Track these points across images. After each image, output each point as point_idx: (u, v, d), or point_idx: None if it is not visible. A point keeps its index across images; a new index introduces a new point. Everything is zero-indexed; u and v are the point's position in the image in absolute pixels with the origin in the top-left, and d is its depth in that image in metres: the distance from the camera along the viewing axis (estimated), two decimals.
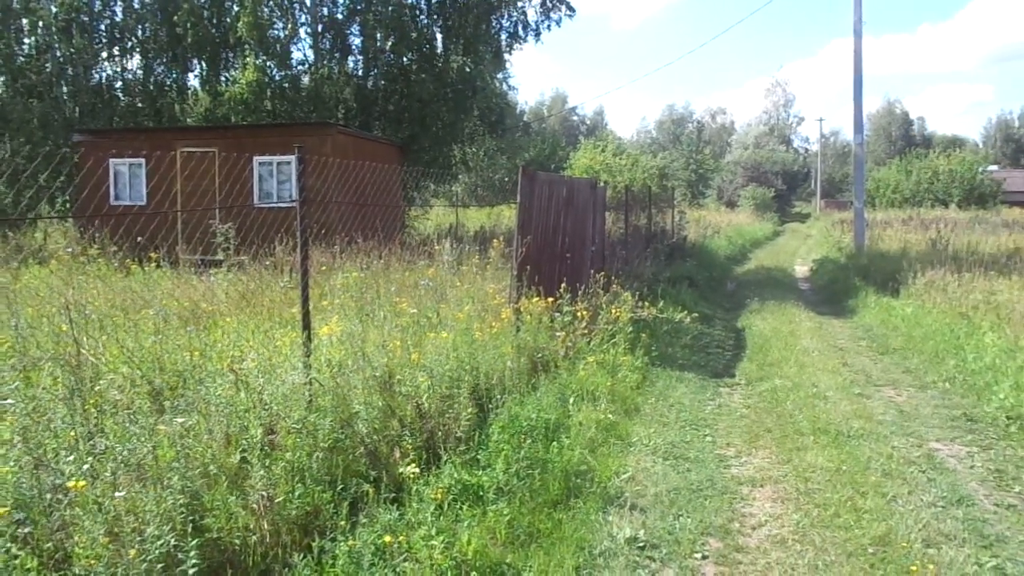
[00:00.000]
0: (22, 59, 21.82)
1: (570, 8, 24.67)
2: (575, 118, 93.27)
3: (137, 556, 3.16)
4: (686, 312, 11.36)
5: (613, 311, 8.84)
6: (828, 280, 18.79)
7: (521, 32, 24.63)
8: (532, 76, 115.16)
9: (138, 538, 3.25)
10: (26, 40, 22.19)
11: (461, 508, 4.41)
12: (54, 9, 21.85)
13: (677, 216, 23.66)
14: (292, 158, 16.83)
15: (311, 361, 5.48)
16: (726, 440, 6.47)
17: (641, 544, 4.41)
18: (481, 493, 4.62)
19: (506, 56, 25.18)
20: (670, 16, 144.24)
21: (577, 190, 10.90)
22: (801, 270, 23.17)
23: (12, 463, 3.55)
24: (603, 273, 9.80)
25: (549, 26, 24.66)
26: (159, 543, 3.25)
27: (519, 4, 24.22)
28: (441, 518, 4.23)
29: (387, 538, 3.77)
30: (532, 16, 24.78)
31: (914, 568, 4.09)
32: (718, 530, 4.67)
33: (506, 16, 24.36)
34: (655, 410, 7.20)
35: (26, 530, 3.19)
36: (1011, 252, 17.65)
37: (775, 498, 5.19)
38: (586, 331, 8.37)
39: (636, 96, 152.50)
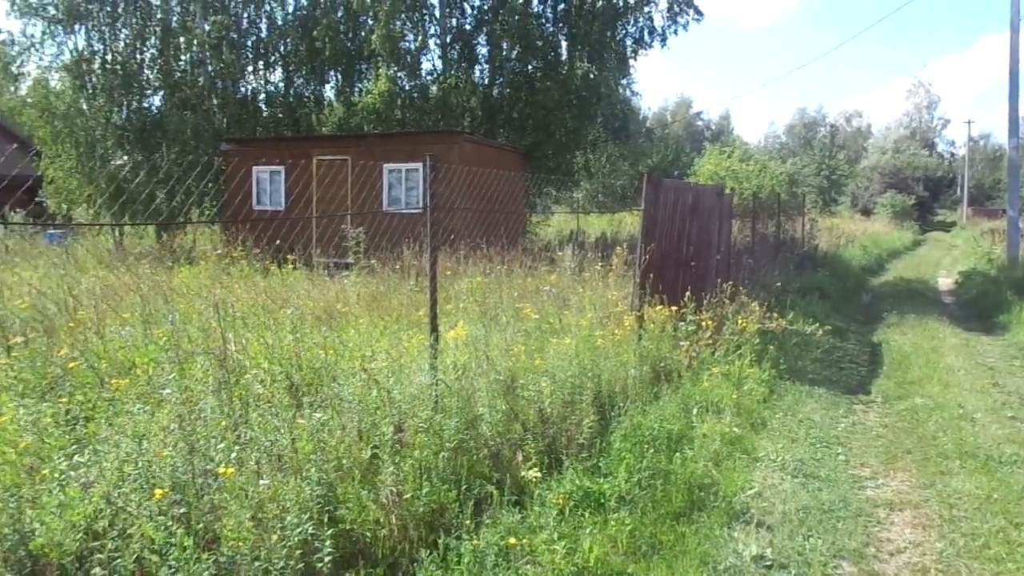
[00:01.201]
0: (178, 74, 23.54)
1: (698, 12, 24.24)
2: (699, 123, 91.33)
3: (278, 542, 3.35)
4: (817, 324, 10.89)
5: (739, 321, 8.61)
6: (976, 294, 17.53)
7: (647, 38, 24.39)
8: (656, 80, 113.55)
9: (279, 524, 3.45)
10: (183, 57, 23.93)
11: (583, 515, 4.41)
12: (207, 28, 23.47)
13: (807, 224, 22.75)
14: (419, 165, 17.36)
15: (437, 363, 5.65)
16: (860, 460, 6.16)
17: (768, 563, 4.27)
18: (603, 501, 4.62)
19: (631, 62, 24.98)
20: (802, 16, 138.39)
21: (703, 197, 10.69)
22: (945, 283, 21.73)
23: (170, 448, 3.85)
24: (729, 282, 9.55)
25: (676, 31, 24.33)
26: (298, 530, 3.43)
27: (645, 10, 24.00)
28: (563, 523, 4.25)
29: (511, 540, 3.83)
30: (658, 21, 24.49)
31: None
32: (852, 554, 4.45)
33: (632, 22, 24.19)
34: (783, 425, 6.95)
35: (181, 511, 3.45)
36: None
37: (916, 524, 4.90)
38: (710, 341, 8.19)
39: (764, 100, 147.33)
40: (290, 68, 25.64)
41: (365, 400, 4.82)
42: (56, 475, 3.56)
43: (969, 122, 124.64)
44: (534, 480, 4.61)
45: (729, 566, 4.21)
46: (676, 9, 24.08)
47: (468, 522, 4.08)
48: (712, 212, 10.94)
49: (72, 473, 3.59)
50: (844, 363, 9.99)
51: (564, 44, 23.99)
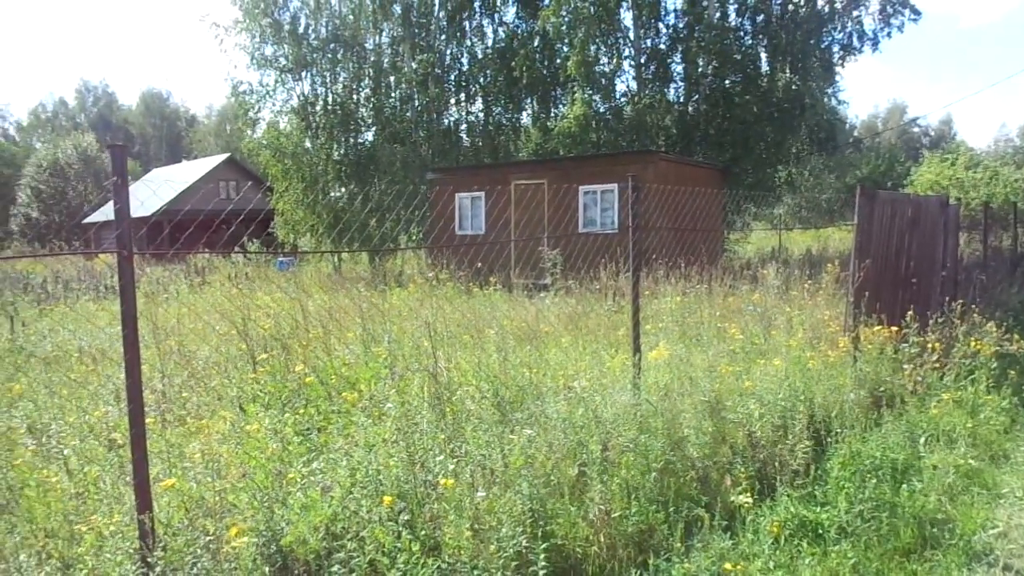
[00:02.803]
0: (388, 111, 25.37)
1: (915, 11, 22.52)
2: (916, 129, 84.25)
3: (495, 552, 3.49)
4: None
5: (972, 343, 7.82)
6: None
7: (856, 43, 23.00)
8: (865, 86, 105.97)
9: (495, 536, 3.59)
10: (392, 94, 25.78)
11: (799, 545, 4.21)
12: (414, 65, 25.15)
13: None
14: (614, 186, 17.45)
15: (640, 382, 5.63)
16: None
17: None
18: (820, 531, 4.38)
19: (837, 69, 23.65)
20: None
21: (924, 209, 9.87)
22: None
23: (394, 458, 4.13)
24: (957, 301, 8.71)
25: (889, 33, 22.75)
26: (513, 542, 3.55)
27: (854, 14, 22.66)
28: (778, 552, 4.08)
29: (727, 566, 3.73)
30: (869, 24, 23.01)
31: None
32: None
33: (839, 28, 22.92)
34: None
35: (406, 517, 3.68)
36: None
37: None
38: (937, 364, 7.51)
39: (993, 101, 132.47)
40: (489, 98, 26.81)
41: (571, 418, 4.90)
42: (299, 480, 3.94)
43: None
44: (745, 505, 4.45)
45: None
46: (889, 10, 22.53)
47: (678, 545, 4.02)
48: (935, 225, 10.07)
49: (312, 478, 3.96)
50: None
51: (764, 56, 23.19)
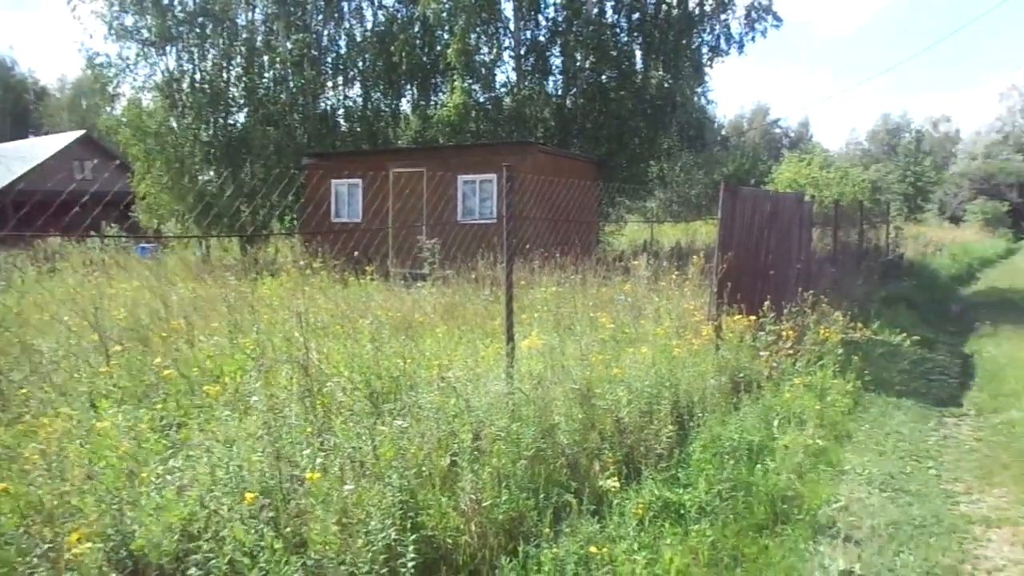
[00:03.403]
0: (262, 92, 24.33)
1: (776, 18, 23.85)
2: (777, 130, 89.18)
3: (363, 546, 3.42)
4: (904, 335, 10.51)
5: (821, 331, 8.37)
6: None
7: (723, 45, 24.12)
8: (732, 88, 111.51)
9: (363, 529, 3.52)
10: (266, 75, 24.73)
11: (663, 525, 4.37)
12: (289, 46, 24.22)
13: (892, 232, 22.01)
14: (493, 176, 17.51)
15: (513, 372, 5.68)
16: (953, 475, 5.91)
17: None
18: (683, 512, 4.56)
19: (706, 70, 24.71)
20: (883, 22, 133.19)
21: (782, 205, 10.45)
22: None
23: (259, 453, 3.98)
24: (810, 291, 9.30)
25: (753, 38, 24.01)
26: (382, 535, 3.50)
27: (722, 17, 23.72)
28: (642, 534, 4.22)
29: (592, 549, 3.82)
30: (736, 28, 24.16)
31: None
32: (946, 571, 4.27)
33: (708, 30, 23.94)
34: (869, 437, 6.73)
35: (270, 514, 3.55)
36: None
37: (1015, 542, 4.67)
38: (791, 351, 7.99)
39: (845, 106, 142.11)
40: (368, 83, 26.24)
41: (444, 408, 4.88)
42: (153, 479, 3.73)
43: None
44: (612, 490, 4.58)
45: None
46: (754, 16, 23.73)
47: (547, 530, 4.08)
48: (791, 220, 10.68)
49: (168, 477, 3.75)
50: (934, 374, 9.60)
51: (638, 53, 23.90)
